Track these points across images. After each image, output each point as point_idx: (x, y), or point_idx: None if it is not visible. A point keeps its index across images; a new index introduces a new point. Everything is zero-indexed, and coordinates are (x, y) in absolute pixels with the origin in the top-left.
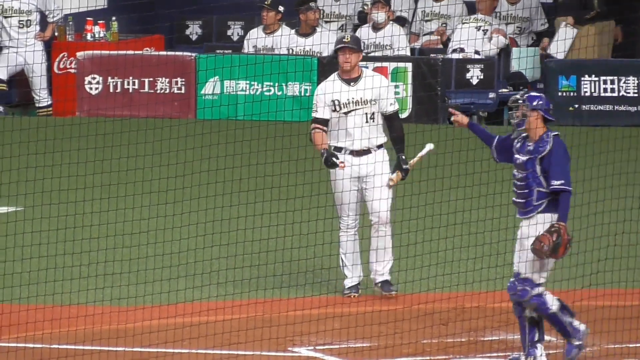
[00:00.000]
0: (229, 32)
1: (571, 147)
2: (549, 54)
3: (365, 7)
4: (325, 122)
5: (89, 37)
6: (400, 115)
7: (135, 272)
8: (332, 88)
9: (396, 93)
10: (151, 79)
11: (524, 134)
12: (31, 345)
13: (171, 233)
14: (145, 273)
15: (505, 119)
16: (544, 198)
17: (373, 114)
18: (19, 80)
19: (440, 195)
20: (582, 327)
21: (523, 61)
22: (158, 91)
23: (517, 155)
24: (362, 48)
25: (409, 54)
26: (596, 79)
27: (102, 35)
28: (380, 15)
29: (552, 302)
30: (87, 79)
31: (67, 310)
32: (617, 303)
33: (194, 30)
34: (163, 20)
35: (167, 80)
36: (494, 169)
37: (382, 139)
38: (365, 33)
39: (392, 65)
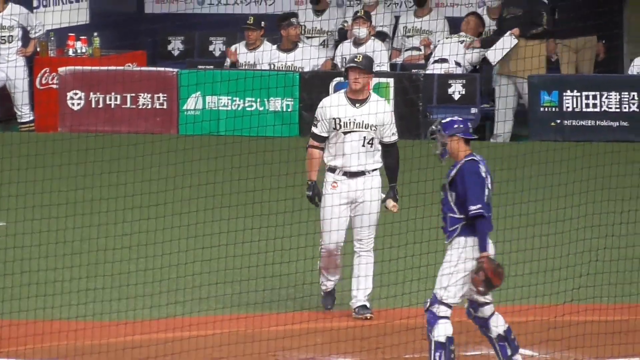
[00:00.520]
0: (211, 48)
1: (553, 163)
2: (487, 59)
3: (346, 24)
4: (322, 140)
5: (71, 52)
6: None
7: (118, 287)
8: (336, 103)
9: None
10: (133, 95)
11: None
12: None
13: (153, 248)
14: (127, 288)
15: (487, 134)
16: (457, 223)
17: (372, 139)
18: (1, 95)
19: (422, 211)
20: None
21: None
22: (140, 107)
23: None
24: (373, 70)
25: (388, 69)
26: (578, 94)
27: (84, 50)
28: (361, 31)
29: (444, 332)
30: (69, 94)
31: (49, 325)
32: (599, 318)
33: (176, 45)
34: (145, 35)
35: (149, 95)
36: None
37: (378, 164)
38: (347, 49)
39: (374, 81)
